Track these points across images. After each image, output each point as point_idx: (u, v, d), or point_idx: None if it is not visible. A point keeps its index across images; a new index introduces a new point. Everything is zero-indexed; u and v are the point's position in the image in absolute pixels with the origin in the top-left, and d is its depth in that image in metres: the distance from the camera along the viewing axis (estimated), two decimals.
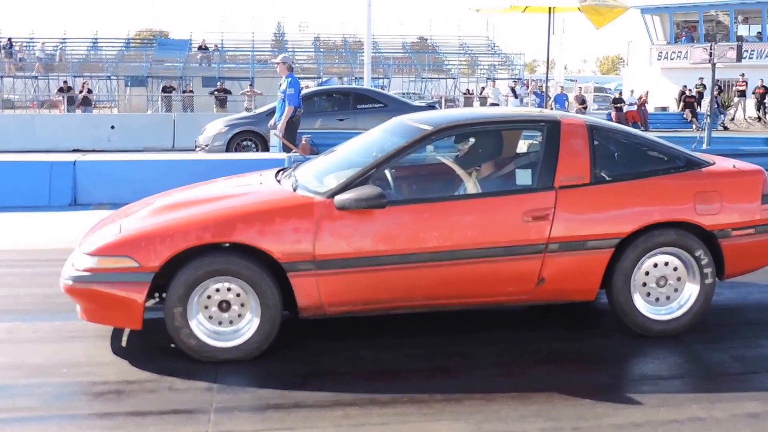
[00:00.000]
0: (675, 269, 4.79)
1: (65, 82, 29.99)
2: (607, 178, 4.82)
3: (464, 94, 34.73)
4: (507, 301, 4.84)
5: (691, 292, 4.81)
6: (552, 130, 4.86)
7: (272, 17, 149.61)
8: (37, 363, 4.49)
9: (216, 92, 28.17)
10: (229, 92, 28.81)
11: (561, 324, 5.24)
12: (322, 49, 42.76)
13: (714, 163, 5.15)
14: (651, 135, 5.65)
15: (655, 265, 4.76)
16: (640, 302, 4.77)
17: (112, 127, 20.02)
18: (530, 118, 5.56)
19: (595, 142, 4.86)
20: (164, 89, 30.56)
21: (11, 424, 3.69)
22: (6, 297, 5.78)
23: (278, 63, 11.77)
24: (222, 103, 27.28)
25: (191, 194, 5.16)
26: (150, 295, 4.47)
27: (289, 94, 11.26)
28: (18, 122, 20.86)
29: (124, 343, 4.77)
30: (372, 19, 20.62)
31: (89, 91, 27.52)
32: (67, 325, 4.94)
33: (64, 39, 40.97)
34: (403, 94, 35.34)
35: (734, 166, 5.21)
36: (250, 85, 30.61)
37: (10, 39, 38.32)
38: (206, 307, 4.41)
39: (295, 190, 4.76)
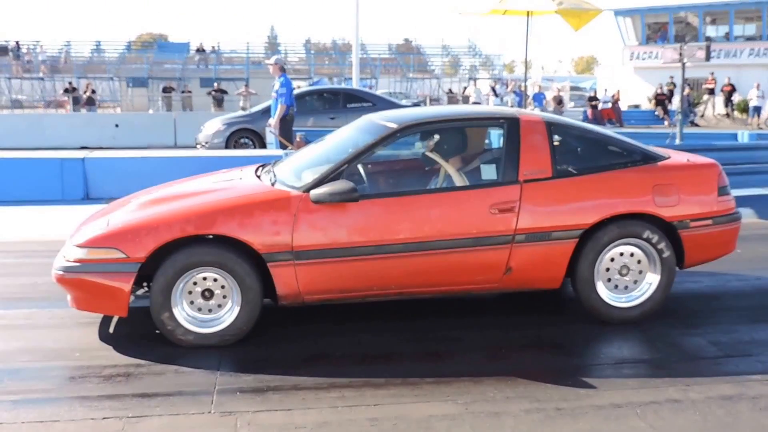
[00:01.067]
0: (636, 259, 4.79)
1: (70, 83, 29.82)
2: (569, 172, 4.81)
3: (447, 93, 34.68)
4: (477, 290, 4.83)
5: (651, 281, 4.82)
6: (512, 126, 4.86)
7: (266, 21, 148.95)
8: (52, 347, 4.48)
9: (213, 92, 28.04)
10: (225, 92, 28.67)
11: (545, 310, 5.24)
12: (312, 51, 42.60)
13: (669, 158, 5.13)
14: (606, 130, 5.60)
15: (620, 255, 4.77)
16: (602, 290, 4.78)
17: (116, 126, 19.88)
18: (491, 116, 5.55)
19: (554, 138, 4.86)
20: (164, 90, 30.39)
21: (25, 405, 3.66)
22: (25, 285, 5.75)
23: (271, 64, 11.71)
24: (219, 103, 27.15)
25: (176, 189, 5.16)
26: (138, 285, 4.51)
27: (281, 93, 11.25)
28: (27, 121, 20.68)
29: (133, 329, 4.75)
30: (360, 22, 20.50)
31: (93, 92, 27.40)
32: (81, 312, 4.90)
33: (68, 42, 40.63)
34: (390, 93, 35.30)
35: (688, 160, 5.19)
36: (246, 85, 30.50)
37: (17, 42, 38.00)
38: (190, 295, 4.42)
39: (273, 184, 4.76)
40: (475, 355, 4.40)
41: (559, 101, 27.89)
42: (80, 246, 4.43)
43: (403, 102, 16.79)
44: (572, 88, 42.97)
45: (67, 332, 4.73)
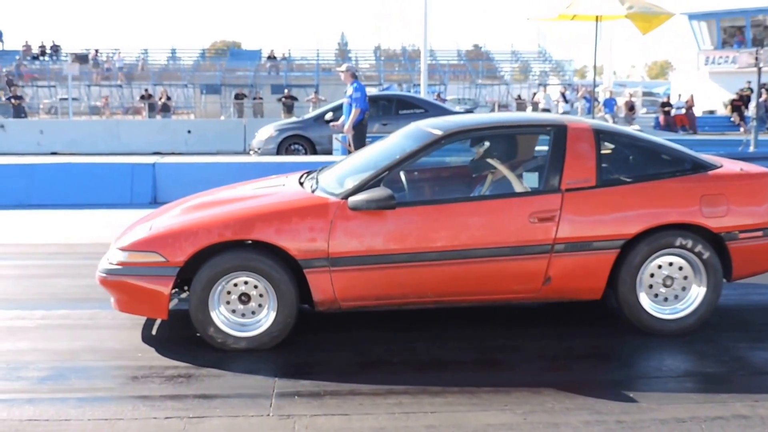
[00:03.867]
0: (681, 269, 4.66)
1: (146, 90, 30.68)
2: (614, 181, 4.73)
3: (516, 99, 34.36)
4: (516, 299, 4.75)
5: (697, 293, 4.68)
6: (558, 134, 4.78)
7: (336, 28, 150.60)
8: (115, 347, 4.60)
9: (283, 99, 28.44)
10: (295, 99, 29.06)
11: (601, 320, 5.12)
12: (382, 58, 42.82)
13: (722, 166, 4.97)
14: (657, 139, 5.40)
15: (662, 266, 4.65)
16: (645, 301, 4.66)
17: (189, 132, 20.34)
18: (538, 123, 5.48)
19: (601, 146, 4.77)
20: (236, 96, 30.99)
21: (91, 403, 3.77)
22: (89, 286, 5.88)
23: (343, 71, 11.71)
24: (289, 109, 27.52)
25: (220, 195, 5.23)
26: (180, 289, 4.62)
27: (355, 98, 11.16)
28: (104, 127, 21.33)
29: (192, 332, 4.83)
30: (429, 29, 20.54)
31: (168, 99, 28.10)
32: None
33: (145, 50, 41.89)
34: (459, 100, 35.24)
35: (741, 169, 5.00)
36: (315, 92, 30.87)
37: (97, 50, 39.35)
38: (228, 301, 4.47)
39: (313, 191, 4.79)
40: (532, 365, 4.34)
41: (630, 107, 27.30)
42: (122, 249, 4.55)
43: (457, 108, 16.62)
44: (645, 94, 41.95)
45: (129, 332, 4.85)
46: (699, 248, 4.60)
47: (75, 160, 11.73)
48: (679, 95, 29.65)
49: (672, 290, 4.68)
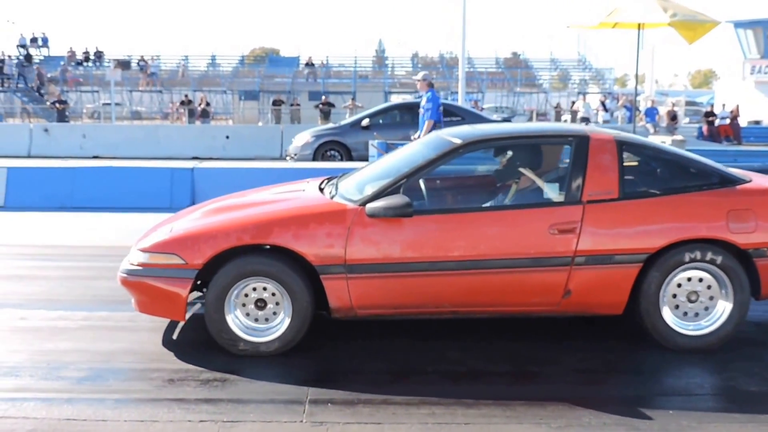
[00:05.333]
0: (708, 287, 4.56)
1: (186, 95, 31.09)
2: (637, 194, 4.66)
3: (555, 108, 34.12)
4: (534, 312, 4.69)
5: (723, 309, 4.56)
6: (580, 144, 4.72)
7: (374, 35, 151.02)
8: (153, 350, 4.66)
9: (321, 105, 28.60)
10: (332, 105, 29.19)
11: (640, 334, 5.04)
12: (420, 65, 42.86)
13: (751, 181, 4.87)
14: (683, 151, 5.26)
15: (689, 280, 4.56)
16: (669, 316, 4.57)
17: (227, 138, 20.55)
18: (560, 133, 5.40)
19: (625, 158, 4.71)
20: (274, 102, 31.25)
21: (127, 405, 3.83)
22: None
23: (419, 80, 11.56)
24: (326, 116, 27.66)
25: (241, 199, 5.28)
26: (199, 291, 4.67)
27: (427, 109, 11.09)
28: (144, 132, 21.65)
29: None
30: (467, 36, 20.50)
31: (207, 104, 28.44)
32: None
33: (186, 56, 42.50)
34: (497, 108, 35.08)
35: None
36: (353, 99, 30.98)
37: (142, 56, 40.02)
38: (243, 305, 4.51)
39: (332, 198, 4.80)
40: (568, 378, 4.29)
41: (672, 117, 26.92)
42: (143, 250, 4.61)
43: (494, 117, 16.52)
44: (688, 103, 41.33)
45: (167, 336, 4.92)
46: (725, 263, 4.49)
47: (116, 164, 11.93)
48: (724, 105, 29.11)
49: (697, 306, 4.58)
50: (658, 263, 4.49)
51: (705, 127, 26.16)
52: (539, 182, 4.95)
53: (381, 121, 15.58)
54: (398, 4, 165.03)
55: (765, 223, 4.57)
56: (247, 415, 3.70)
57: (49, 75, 36.82)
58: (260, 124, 30.72)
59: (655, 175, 4.95)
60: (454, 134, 5.06)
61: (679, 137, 12.72)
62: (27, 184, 10.54)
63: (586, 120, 27.25)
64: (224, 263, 4.46)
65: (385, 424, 3.63)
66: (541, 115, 32.02)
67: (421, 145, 5.29)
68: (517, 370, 4.39)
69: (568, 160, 4.81)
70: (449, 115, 15.31)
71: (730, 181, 4.78)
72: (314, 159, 15.01)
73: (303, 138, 15.56)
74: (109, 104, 31.11)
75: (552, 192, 4.76)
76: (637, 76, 14.19)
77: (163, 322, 5.07)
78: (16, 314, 5.34)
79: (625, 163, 4.68)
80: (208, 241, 4.48)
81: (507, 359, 4.55)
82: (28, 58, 39.32)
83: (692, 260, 4.50)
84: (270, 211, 4.72)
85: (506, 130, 5.59)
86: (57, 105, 27.86)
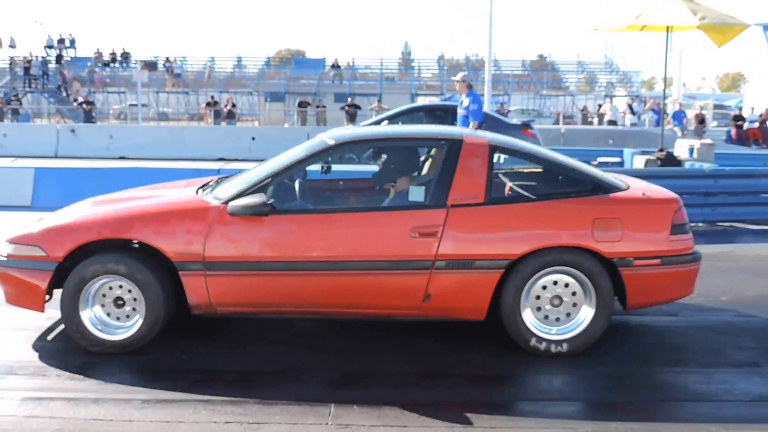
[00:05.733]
0: (573, 293, 4.52)
1: (212, 97, 31.29)
2: (504, 199, 4.72)
3: (582, 110, 33.89)
4: (396, 314, 4.61)
5: (585, 315, 4.52)
6: (452, 148, 4.68)
7: (400, 37, 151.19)
8: (179, 351, 4.67)
9: (346, 107, 28.65)
10: (358, 107, 29.23)
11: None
12: (446, 68, 42.81)
13: (627, 188, 4.82)
14: (562, 157, 5.04)
15: (555, 283, 4.52)
16: (531, 321, 4.52)
17: (253, 139, 20.65)
18: (433, 136, 5.31)
19: (496, 162, 4.68)
20: (300, 104, 31.37)
21: (153, 405, 3.85)
22: None
23: (458, 81, 11.39)
24: (352, 118, 27.70)
25: (125, 194, 5.30)
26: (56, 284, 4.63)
27: (472, 110, 10.98)
28: (171, 133, 21.81)
29: (258, 336, 4.90)
30: (493, 38, 20.44)
31: (234, 106, 28.59)
32: (210, 317, 5.10)
33: (212, 58, 42.81)
34: (522, 110, 34.92)
35: (644, 194, 4.80)
36: (378, 100, 31.03)
37: (167, 58, 40.37)
38: (98, 302, 4.53)
39: (202, 195, 4.83)
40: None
41: (701, 120, 26.62)
42: (9, 242, 4.67)
43: (514, 121, 16.37)
44: (716, 107, 40.89)
45: (194, 338, 4.93)
46: (589, 271, 4.46)
47: (142, 165, 12.03)
48: (752, 108, 28.75)
49: (560, 310, 4.53)
50: (519, 270, 4.44)
51: (733, 131, 25.84)
52: (408, 185, 4.89)
53: (401, 123, 15.57)
54: (424, 6, 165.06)
55: (632, 232, 4.50)
56: (272, 417, 3.71)
57: (74, 75, 37.21)
58: (286, 125, 30.83)
59: (527, 180, 4.97)
60: (331, 135, 5.07)
61: (708, 141, 12.56)
62: (54, 185, 10.64)
63: (613, 123, 27.06)
64: (86, 258, 4.49)
65: (410, 427, 3.61)
66: (568, 118, 31.82)
67: (302, 147, 5.21)
68: (541, 373, 4.36)
69: (436, 163, 4.81)
70: None
71: (603, 188, 4.71)
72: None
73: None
74: (135, 105, 31.39)
75: (418, 195, 4.67)
76: (665, 79, 14.04)
77: (194, 324, 5.09)
78: (43, 314, 5.38)
79: (494, 168, 4.67)
80: (70, 234, 4.51)
81: (533, 361, 4.52)
82: (59, 58, 39.86)
83: (554, 267, 4.45)
84: (136, 207, 4.74)
85: (380, 132, 5.66)
86: (84, 106, 28.19)
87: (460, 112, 11.34)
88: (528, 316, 4.52)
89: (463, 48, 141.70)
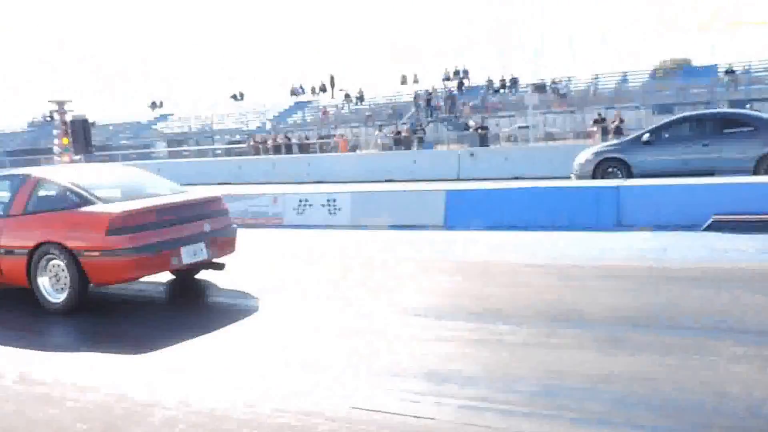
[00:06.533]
0: (64, 272, 6.93)
1: (599, 114, 30.90)
2: (31, 212, 7.27)
3: None
4: None
5: (69, 287, 6.93)
6: (20, 180, 7.57)
7: None
8: (593, 371, 4.57)
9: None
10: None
11: None
12: None
13: (95, 204, 6.99)
14: (77, 181, 7.40)
15: (56, 266, 6.98)
16: (46, 289, 7.09)
17: None
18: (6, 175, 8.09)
19: (37, 188, 7.38)
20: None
21: (580, 424, 3.83)
22: (566, 303, 6.08)
23: None
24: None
25: None
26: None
27: None
28: (559, 152, 21.89)
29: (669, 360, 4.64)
30: None
31: (621, 121, 27.88)
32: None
33: (596, 75, 42.41)
34: None
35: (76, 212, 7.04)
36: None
37: (553, 80, 41.00)
38: None
39: None
40: None
41: None
42: None
43: None
44: None
45: (611, 358, 4.81)
46: (67, 258, 6.85)
47: (541, 184, 12.29)
48: None
49: (60, 284, 7.02)
50: (35, 255, 7.03)
51: None
52: None
53: (666, 135, 13.89)
54: None
55: (82, 234, 6.82)
56: None
57: (471, 104, 39.77)
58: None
59: (47, 200, 7.32)
60: None
61: None
62: (464, 205, 11.39)
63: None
64: None
65: None
66: None
67: None
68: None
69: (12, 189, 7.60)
70: (741, 125, 13.37)
71: (82, 203, 7.01)
72: (594, 176, 14.13)
73: (585, 155, 14.76)
74: (524, 127, 32.38)
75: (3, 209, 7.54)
76: None
77: (605, 344, 4.98)
78: (465, 326, 5.75)
79: (35, 192, 7.36)
80: None
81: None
82: (460, 86, 43.14)
83: (51, 254, 6.95)
84: None
85: None
86: (479, 130, 29.85)
87: None
88: (43, 285, 7.11)
89: None
